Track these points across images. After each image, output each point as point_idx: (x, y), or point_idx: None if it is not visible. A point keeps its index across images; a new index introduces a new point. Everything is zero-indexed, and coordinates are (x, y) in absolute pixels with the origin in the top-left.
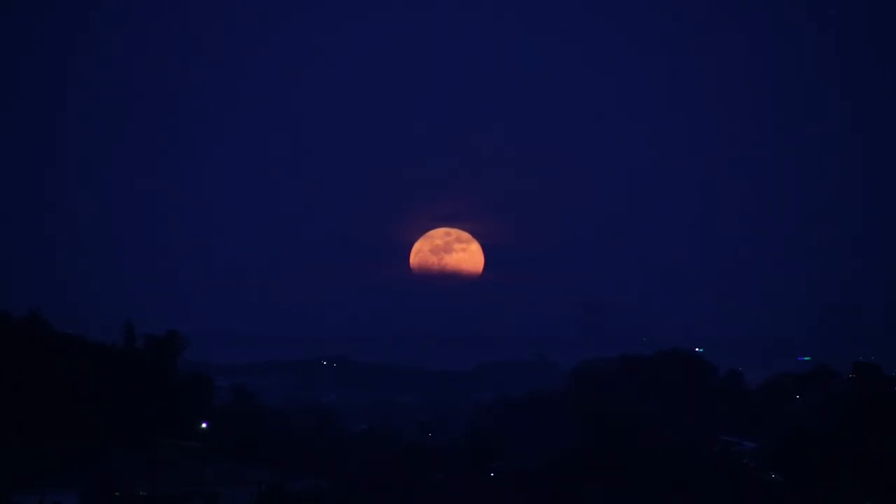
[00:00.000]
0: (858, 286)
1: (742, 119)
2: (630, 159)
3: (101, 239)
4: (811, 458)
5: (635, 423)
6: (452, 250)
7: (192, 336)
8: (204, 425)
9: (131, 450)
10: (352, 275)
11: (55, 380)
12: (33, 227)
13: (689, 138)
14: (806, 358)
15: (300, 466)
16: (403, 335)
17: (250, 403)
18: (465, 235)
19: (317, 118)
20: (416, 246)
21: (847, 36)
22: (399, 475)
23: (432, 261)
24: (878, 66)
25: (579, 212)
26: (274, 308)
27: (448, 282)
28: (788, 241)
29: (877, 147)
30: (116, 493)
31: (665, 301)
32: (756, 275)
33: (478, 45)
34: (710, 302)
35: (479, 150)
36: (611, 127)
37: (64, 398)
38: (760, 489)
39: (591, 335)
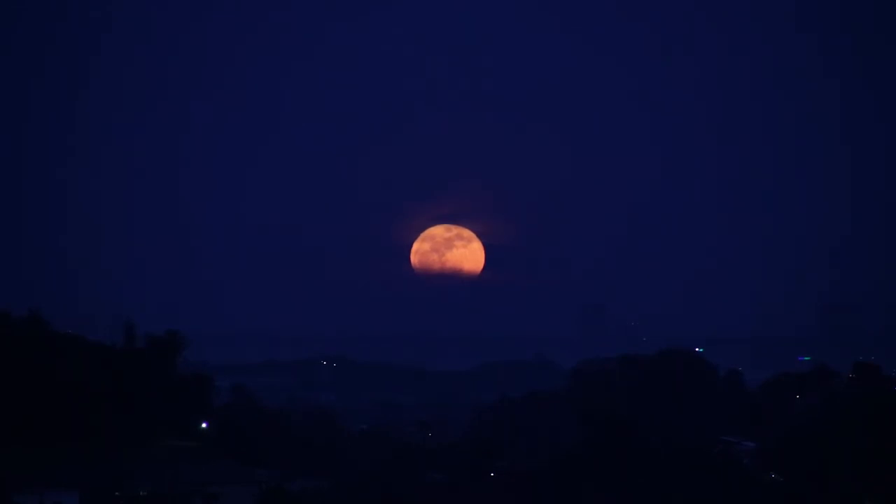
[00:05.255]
0: (858, 286)
1: (743, 121)
2: (631, 160)
3: (102, 239)
4: (811, 458)
5: (635, 423)
6: (453, 247)
7: (192, 336)
8: (204, 425)
9: (131, 450)
10: (352, 275)
11: (55, 380)
12: (34, 226)
13: (691, 140)
14: (806, 358)
15: (300, 466)
16: (403, 335)
17: (250, 403)
18: (467, 233)
19: (316, 117)
20: (417, 244)
21: (847, 42)
22: (399, 475)
23: (433, 258)
24: (876, 71)
25: (580, 212)
26: (274, 308)
27: (448, 281)
28: (788, 242)
29: (876, 149)
30: (116, 493)
31: (665, 301)
32: (756, 275)
33: (480, 43)
34: (710, 302)
35: (480, 151)
36: (616, 128)
37: (64, 398)
38: (760, 489)
39: (590, 335)
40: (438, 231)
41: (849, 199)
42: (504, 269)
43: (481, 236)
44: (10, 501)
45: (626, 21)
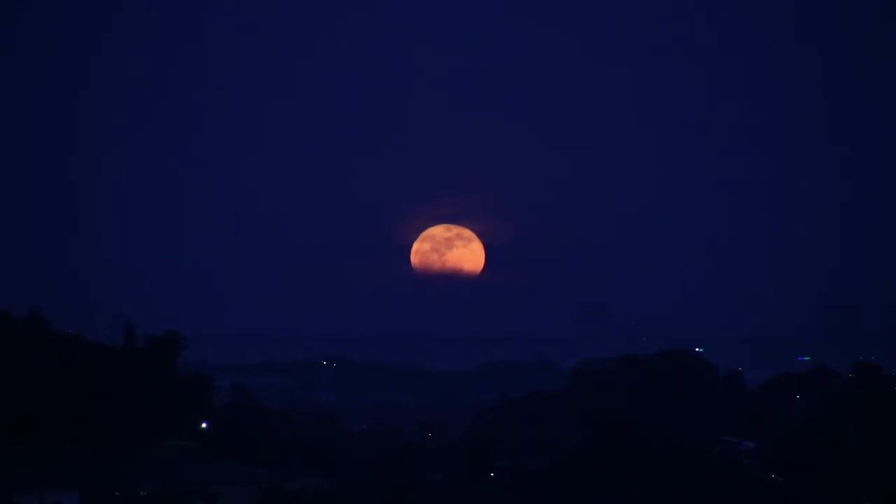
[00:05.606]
0: (858, 286)
1: (744, 121)
2: (633, 160)
3: (102, 239)
4: (811, 458)
5: (635, 423)
6: (454, 246)
7: (192, 336)
8: (204, 425)
9: (131, 450)
10: (352, 274)
11: (55, 380)
12: (33, 226)
13: (693, 140)
14: (806, 358)
15: (300, 466)
16: (403, 335)
17: (250, 403)
18: (467, 233)
19: (316, 117)
20: (417, 244)
21: (847, 42)
22: (399, 475)
23: (433, 258)
24: (877, 71)
25: (580, 212)
26: (274, 308)
27: (448, 281)
28: (789, 242)
29: (876, 149)
30: (116, 493)
31: (665, 301)
32: (756, 275)
33: (481, 43)
34: (710, 302)
35: (480, 150)
36: (616, 128)
37: (64, 398)
38: (760, 489)
39: (591, 335)
40: (438, 231)
41: (848, 200)
42: (504, 269)
43: (481, 236)
44: (10, 501)
45: (626, 21)
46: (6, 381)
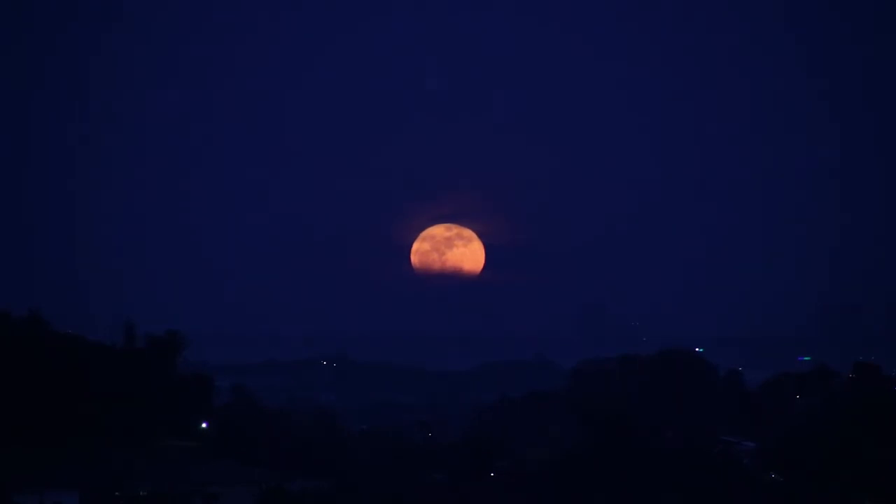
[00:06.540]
0: (858, 286)
1: (745, 120)
2: (633, 160)
3: (102, 239)
4: (811, 458)
5: (635, 423)
6: (454, 246)
7: (191, 336)
8: (204, 425)
9: (131, 450)
10: (352, 274)
11: (55, 380)
12: (33, 227)
13: (692, 139)
14: (806, 358)
15: (300, 466)
16: (403, 335)
17: (250, 403)
18: (467, 232)
19: (316, 117)
20: (417, 244)
21: (847, 42)
22: (399, 475)
23: (433, 258)
24: (876, 71)
25: (580, 211)
26: (273, 308)
27: (448, 281)
28: (789, 242)
29: (876, 149)
30: (117, 493)
31: (665, 301)
32: (756, 275)
33: (481, 44)
34: (711, 302)
35: (480, 150)
36: (615, 128)
37: (64, 398)
38: (760, 489)
39: (591, 335)
40: (438, 231)
41: (848, 199)
42: (504, 269)
43: (481, 236)
44: (10, 501)
45: (624, 22)
46: (6, 381)
